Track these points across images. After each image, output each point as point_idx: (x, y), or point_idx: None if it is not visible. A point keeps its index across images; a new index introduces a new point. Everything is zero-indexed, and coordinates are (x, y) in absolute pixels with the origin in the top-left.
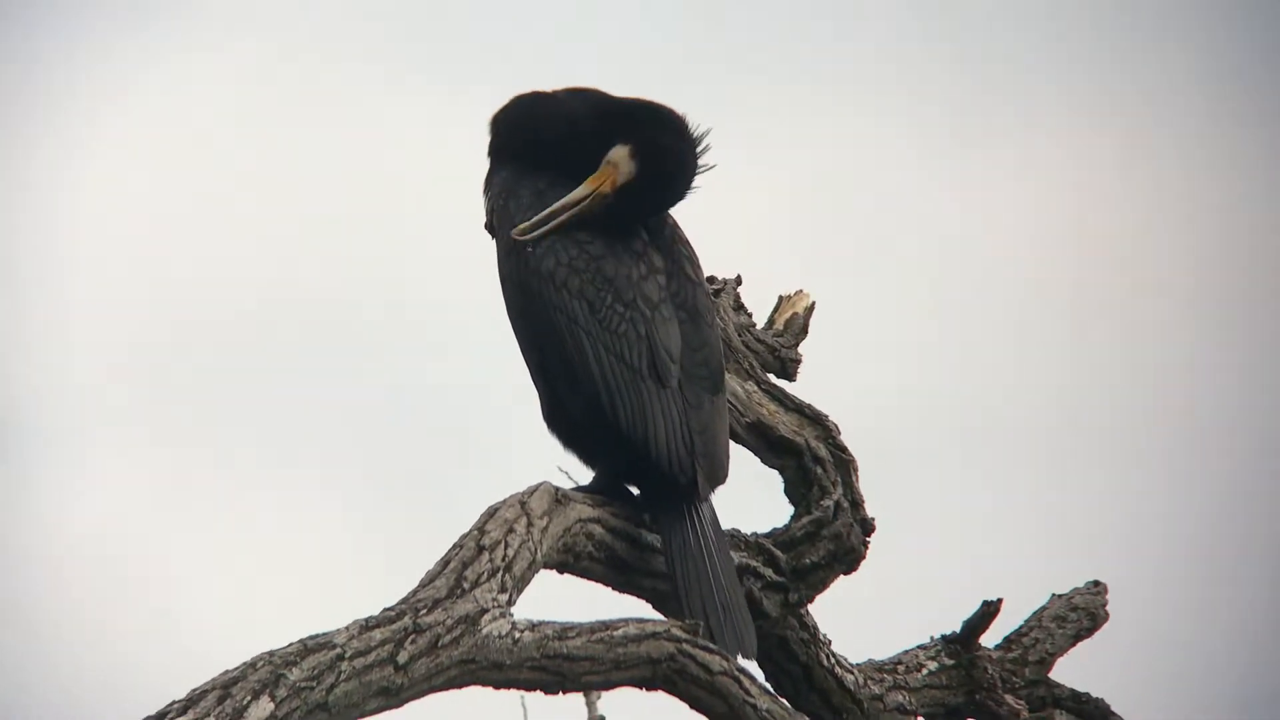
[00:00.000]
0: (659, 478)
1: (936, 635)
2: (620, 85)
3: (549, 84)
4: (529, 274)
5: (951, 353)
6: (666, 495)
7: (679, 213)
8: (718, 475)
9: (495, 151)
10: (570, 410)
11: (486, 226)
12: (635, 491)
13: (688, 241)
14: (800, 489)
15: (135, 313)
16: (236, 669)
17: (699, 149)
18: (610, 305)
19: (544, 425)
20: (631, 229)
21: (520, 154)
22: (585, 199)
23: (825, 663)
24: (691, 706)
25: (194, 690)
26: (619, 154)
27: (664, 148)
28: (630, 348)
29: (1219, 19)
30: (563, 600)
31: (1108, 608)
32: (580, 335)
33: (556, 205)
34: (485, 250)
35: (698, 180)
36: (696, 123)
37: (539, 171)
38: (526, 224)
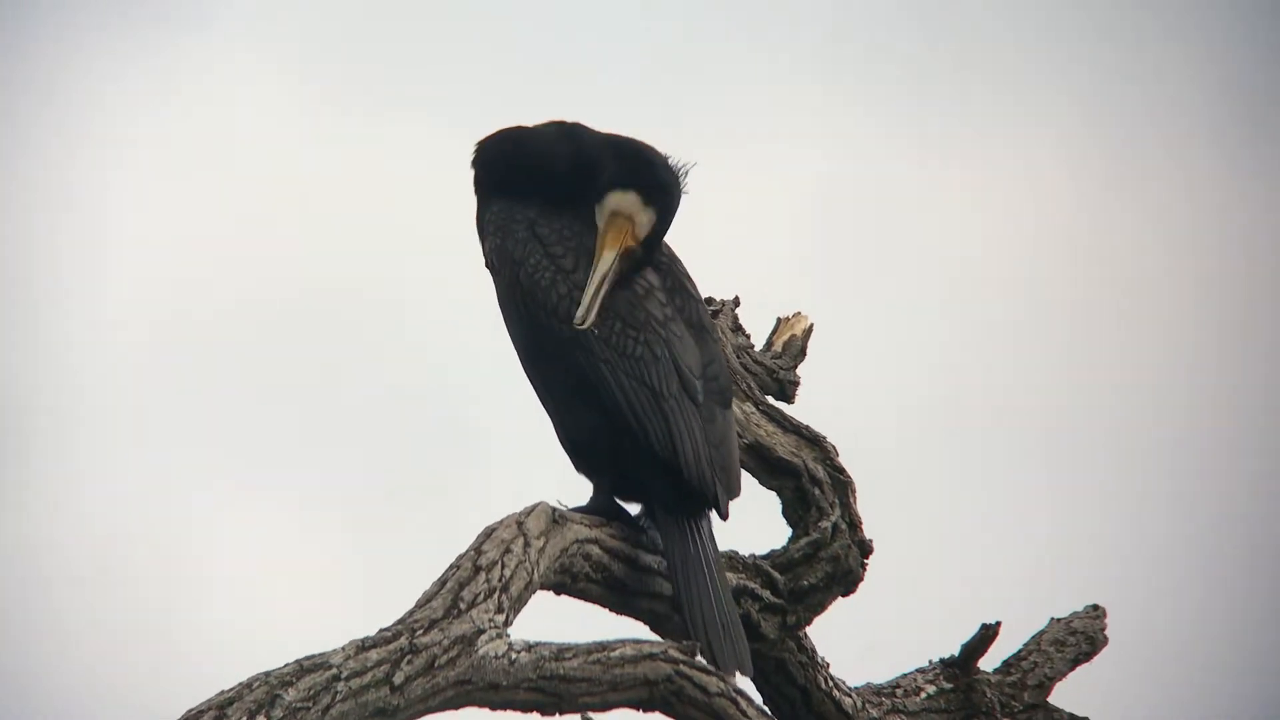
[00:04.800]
0: (672, 493)
1: (935, 659)
2: (613, 99)
3: (543, 102)
4: (536, 309)
5: (950, 375)
6: (673, 511)
7: (675, 233)
8: (733, 489)
9: (480, 186)
10: (581, 430)
11: (487, 265)
12: (632, 511)
13: (678, 259)
14: (798, 510)
15: (135, 325)
16: (232, 689)
17: (683, 181)
18: (621, 331)
19: (557, 446)
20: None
21: (505, 187)
22: (615, 260)
23: (823, 685)
24: None
25: (190, 711)
26: (630, 203)
27: (669, 188)
28: (648, 369)
29: (1212, 19)
30: (560, 621)
31: (1107, 632)
32: (599, 366)
33: (595, 279)
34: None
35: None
36: (675, 157)
37: (526, 201)
38: (581, 311)
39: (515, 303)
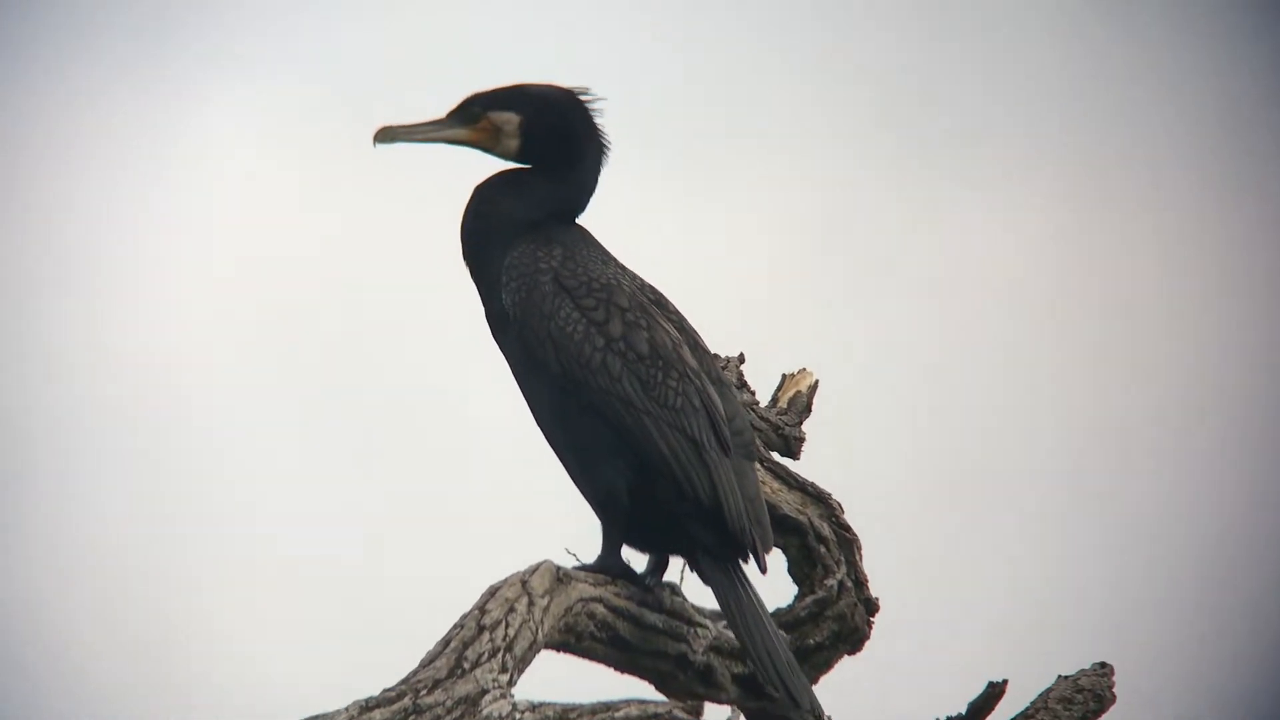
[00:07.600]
0: (716, 540)
1: (942, 716)
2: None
3: None
4: (570, 362)
5: (955, 432)
6: (719, 558)
7: (672, 290)
8: (768, 542)
9: (498, 226)
10: (605, 484)
11: (499, 319)
12: (638, 570)
13: (685, 316)
14: (804, 568)
15: (135, 350)
16: None
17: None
18: (662, 382)
19: (566, 503)
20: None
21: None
22: (459, 130)
23: None
24: None
25: None
26: (504, 118)
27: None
28: (688, 420)
29: (1206, 50)
30: (564, 680)
31: (1114, 689)
32: (641, 418)
33: (427, 127)
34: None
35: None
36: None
37: (545, 236)
38: (393, 127)
39: (544, 358)
